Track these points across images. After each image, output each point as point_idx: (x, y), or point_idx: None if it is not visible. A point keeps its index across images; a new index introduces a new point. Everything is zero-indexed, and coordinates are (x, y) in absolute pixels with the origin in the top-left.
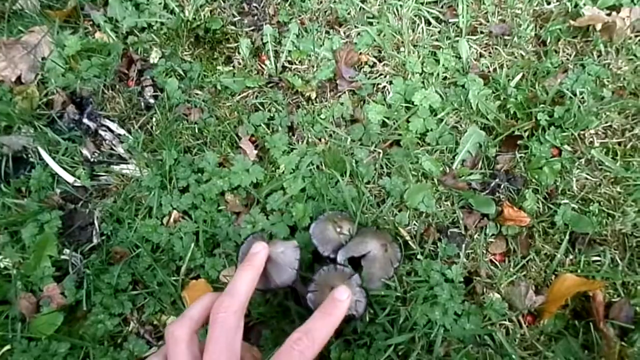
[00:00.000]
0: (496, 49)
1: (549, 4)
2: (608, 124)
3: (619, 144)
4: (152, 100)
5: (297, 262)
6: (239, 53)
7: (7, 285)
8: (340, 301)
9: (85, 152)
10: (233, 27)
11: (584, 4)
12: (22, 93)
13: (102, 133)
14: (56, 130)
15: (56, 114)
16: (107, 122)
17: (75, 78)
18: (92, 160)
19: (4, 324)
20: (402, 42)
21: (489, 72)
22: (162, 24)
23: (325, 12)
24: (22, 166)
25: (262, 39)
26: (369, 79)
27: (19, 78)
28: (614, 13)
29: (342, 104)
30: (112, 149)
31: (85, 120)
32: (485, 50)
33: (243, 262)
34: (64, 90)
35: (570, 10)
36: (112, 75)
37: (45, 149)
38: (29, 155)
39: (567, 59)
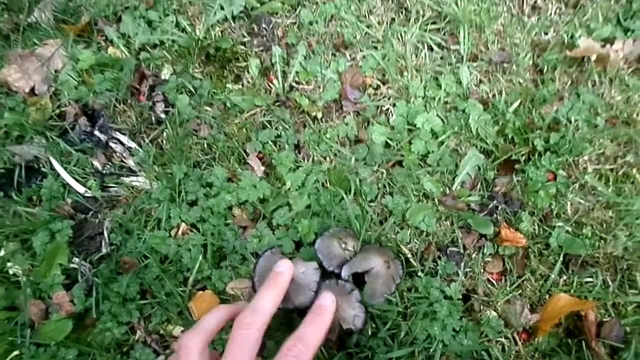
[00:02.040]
0: (495, 76)
1: (546, 34)
2: (601, 151)
3: (612, 170)
4: (162, 115)
5: (316, 284)
6: (248, 72)
7: (16, 291)
8: (326, 306)
9: (96, 163)
10: (243, 47)
11: (580, 36)
12: (35, 104)
13: (113, 145)
14: (68, 142)
15: (68, 126)
16: (118, 135)
17: (87, 91)
18: (102, 171)
19: (13, 329)
20: (406, 67)
21: (489, 97)
22: (173, 41)
23: (332, 35)
24: (34, 175)
25: (270, 60)
26: (373, 101)
27: (32, 89)
28: (608, 45)
29: (347, 124)
30: (122, 161)
31: (96, 133)
32: (485, 77)
33: (268, 280)
34: (77, 103)
35: (566, 41)
36: (124, 89)
37: (57, 160)
38: (41, 165)
39: (563, 88)
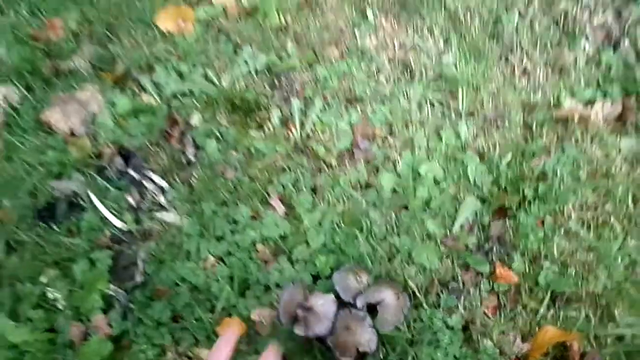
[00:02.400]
0: (490, 131)
1: (535, 95)
2: (584, 200)
3: (593, 217)
4: (192, 158)
5: (334, 314)
6: (269, 121)
7: (55, 315)
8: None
9: (130, 199)
10: (265, 99)
11: (564, 97)
12: (74, 144)
13: (146, 184)
14: (105, 179)
15: (105, 164)
16: (151, 174)
17: (123, 133)
18: (136, 207)
19: (53, 349)
20: (411, 121)
21: (484, 150)
22: (202, 91)
23: (345, 90)
24: (73, 209)
25: (290, 111)
26: (381, 150)
27: (72, 130)
28: (589, 106)
29: (358, 171)
30: (154, 198)
31: (131, 172)
32: (481, 132)
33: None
34: (113, 144)
35: (552, 102)
36: (157, 133)
37: (96, 195)
38: (80, 200)
39: (550, 143)
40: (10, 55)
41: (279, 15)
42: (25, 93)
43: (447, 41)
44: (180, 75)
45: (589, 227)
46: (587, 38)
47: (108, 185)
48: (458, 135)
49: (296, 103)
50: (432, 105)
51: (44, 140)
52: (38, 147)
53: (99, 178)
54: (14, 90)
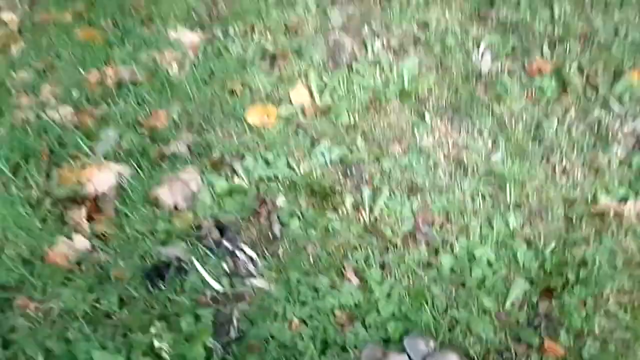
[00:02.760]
0: (536, 221)
1: (574, 191)
2: (621, 285)
3: (629, 300)
4: (278, 233)
5: None
6: (343, 205)
7: None
8: None
9: (225, 266)
10: (339, 186)
11: (600, 194)
12: (178, 216)
13: (238, 253)
14: (204, 247)
15: (203, 235)
16: (243, 246)
17: (219, 209)
18: (230, 273)
19: None
20: (465, 210)
21: (531, 238)
22: (285, 177)
23: (407, 181)
24: (177, 271)
25: (360, 197)
26: (440, 234)
27: (176, 205)
28: (623, 203)
29: (420, 251)
30: (246, 266)
31: (225, 242)
32: (527, 222)
33: None
34: (211, 218)
35: (589, 198)
36: (248, 210)
37: (197, 260)
38: (183, 264)
39: (589, 234)
40: (123, 139)
41: (349, 114)
42: (137, 170)
43: (495, 142)
44: (267, 162)
45: (625, 310)
46: (618, 143)
47: (207, 252)
48: (507, 224)
49: (366, 190)
50: (484, 197)
51: (152, 213)
52: (147, 217)
53: (199, 246)
54: (126, 168)
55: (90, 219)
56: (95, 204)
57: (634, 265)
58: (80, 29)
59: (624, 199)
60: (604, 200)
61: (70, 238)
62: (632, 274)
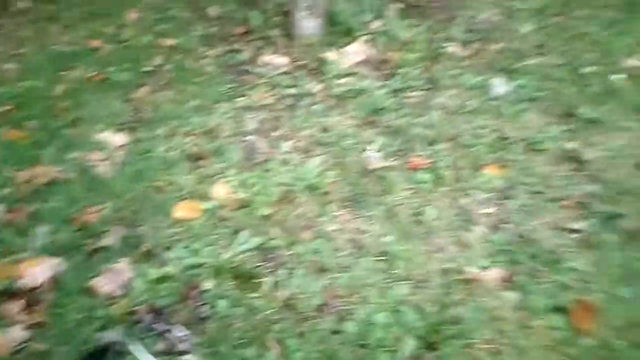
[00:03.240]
0: (420, 290)
1: (449, 263)
2: (485, 335)
3: (493, 347)
4: (208, 313)
5: None
6: (263, 286)
7: None
8: None
9: (160, 346)
10: (258, 270)
11: (468, 265)
12: (114, 303)
13: (172, 334)
14: (140, 330)
15: (139, 319)
16: (176, 327)
17: (152, 295)
18: (166, 352)
19: None
20: (364, 284)
21: (417, 304)
22: (211, 264)
23: (316, 263)
24: (116, 355)
25: (278, 278)
26: (345, 305)
27: (112, 293)
28: (483, 271)
29: (329, 321)
30: (179, 344)
31: (159, 325)
32: (414, 290)
33: None
34: (145, 303)
35: (460, 269)
36: (179, 295)
37: (134, 343)
38: (120, 347)
39: (461, 298)
40: (57, 234)
41: (264, 207)
42: (72, 263)
43: (385, 226)
44: (194, 251)
45: (491, 354)
46: (481, 224)
47: (143, 335)
48: (398, 294)
49: (282, 272)
50: (378, 272)
51: (88, 301)
52: (84, 306)
53: (135, 330)
54: (61, 262)
55: (27, 310)
56: (31, 297)
57: (494, 319)
58: (6, 129)
59: (484, 268)
60: (470, 270)
61: (6, 330)
62: (494, 327)
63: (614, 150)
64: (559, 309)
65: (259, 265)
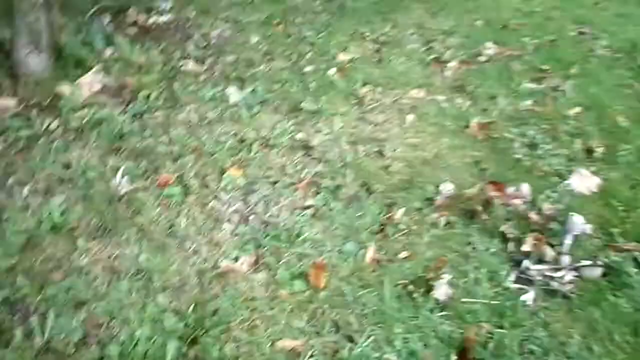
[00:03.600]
0: (178, 295)
1: (205, 263)
2: (242, 317)
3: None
4: None
5: None
6: (15, 337)
7: None
8: None
9: None
10: (9, 322)
11: (222, 260)
12: None
13: None
14: None
15: None
16: None
17: None
18: None
19: None
20: (124, 305)
21: (177, 309)
22: None
23: (72, 300)
24: None
25: (29, 326)
26: (106, 331)
27: None
28: (236, 261)
29: (94, 351)
30: None
31: None
32: (172, 297)
33: None
34: None
35: (215, 265)
36: None
37: None
38: None
39: (217, 291)
40: None
41: (6, 259)
42: None
43: (138, 244)
44: None
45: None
46: (228, 221)
47: None
48: (158, 305)
49: (33, 320)
50: (137, 291)
51: None
52: None
53: None
54: None
55: None
56: None
57: (248, 300)
58: None
59: (236, 259)
60: (225, 263)
61: None
62: (248, 306)
63: (334, 133)
64: (299, 275)
65: (10, 318)
